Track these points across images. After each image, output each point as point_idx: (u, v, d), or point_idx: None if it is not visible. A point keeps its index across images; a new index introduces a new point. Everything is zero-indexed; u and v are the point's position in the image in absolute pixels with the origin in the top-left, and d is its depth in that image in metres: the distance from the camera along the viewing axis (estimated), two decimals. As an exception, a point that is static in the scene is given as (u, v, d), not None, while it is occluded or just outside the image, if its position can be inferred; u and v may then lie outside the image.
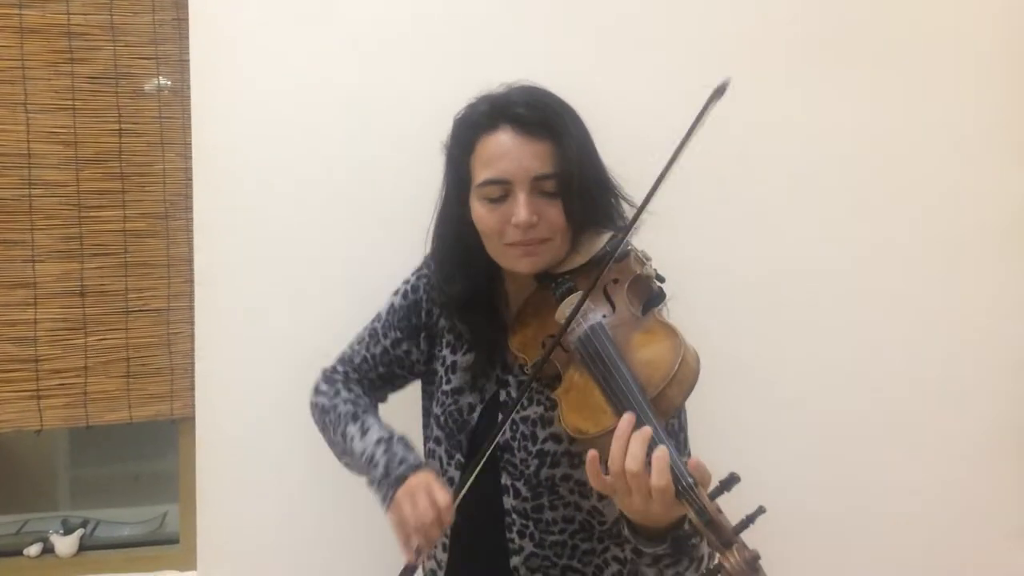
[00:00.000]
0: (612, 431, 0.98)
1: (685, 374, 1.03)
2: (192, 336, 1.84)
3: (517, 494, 1.23)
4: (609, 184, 1.25)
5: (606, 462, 0.97)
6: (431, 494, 1.12)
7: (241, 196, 1.79)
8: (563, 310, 1.16)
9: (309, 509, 1.85)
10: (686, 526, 1.00)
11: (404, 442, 1.26)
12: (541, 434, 1.22)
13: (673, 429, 1.17)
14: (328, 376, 1.43)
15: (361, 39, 1.79)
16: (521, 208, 1.14)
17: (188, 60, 1.78)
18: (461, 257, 1.25)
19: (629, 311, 1.14)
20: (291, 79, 1.78)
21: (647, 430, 0.96)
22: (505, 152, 1.15)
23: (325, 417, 1.37)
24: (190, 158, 1.81)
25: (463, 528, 1.26)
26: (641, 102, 1.81)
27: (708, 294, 1.82)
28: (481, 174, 1.17)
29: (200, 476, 1.83)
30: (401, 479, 1.18)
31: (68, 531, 1.97)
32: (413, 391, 1.43)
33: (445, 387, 1.30)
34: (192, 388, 1.84)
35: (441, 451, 1.30)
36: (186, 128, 1.82)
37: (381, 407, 1.43)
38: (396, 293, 1.40)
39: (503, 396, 1.26)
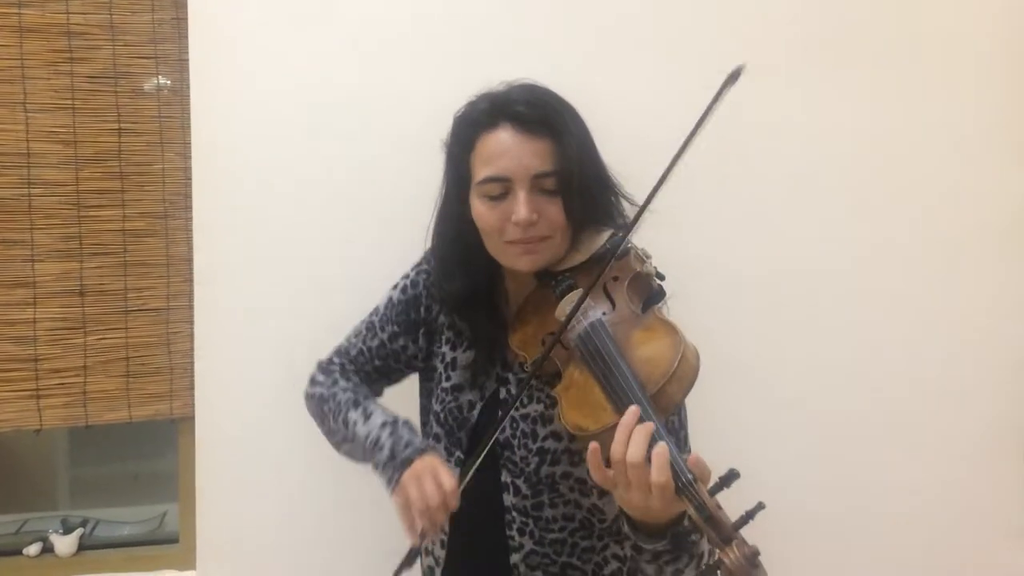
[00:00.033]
0: (612, 428, 0.98)
1: (685, 371, 1.03)
2: (191, 335, 1.84)
3: (517, 491, 1.23)
4: (609, 182, 1.25)
5: (607, 458, 0.97)
6: (437, 477, 1.12)
7: (240, 195, 1.79)
8: (563, 308, 1.16)
9: (308, 508, 1.85)
10: (686, 522, 1.00)
11: (409, 426, 1.26)
12: (541, 432, 1.22)
13: (673, 427, 1.17)
14: (324, 367, 1.43)
15: (361, 39, 1.79)
16: (521, 206, 1.14)
17: (187, 59, 1.78)
18: (461, 255, 1.25)
19: (629, 308, 1.14)
20: (291, 78, 1.79)
21: (649, 425, 0.96)
22: (505, 150, 1.15)
23: (324, 406, 1.36)
24: (189, 157, 1.81)
25: (463, 525, 1.26)
26: (641, 102, 1.81)
27: (708, 294, 1.82)
28: (481, 172, 1.17)
29: (199, 476, 1.83)
30: (407, 462, 1.17)
31: (67, 531, 1.97)
32: (411, 389, 1.42)
33: (445, 384, 1.30)
34: (191, 388, 1.84)
35: (440, 448, 1.30)
36: (185, 127, 1.82)
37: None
38: (395, 287, 1.39)
39: (503, 394, 1.26)
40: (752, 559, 0.88)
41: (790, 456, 1.91)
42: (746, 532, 0.91)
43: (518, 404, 1.23)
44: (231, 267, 1.80)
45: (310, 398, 1.41)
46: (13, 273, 1.82)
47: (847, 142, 1.89)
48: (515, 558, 1.24)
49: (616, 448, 0.96)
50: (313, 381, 1.42)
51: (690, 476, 0.92)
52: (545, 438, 1.22)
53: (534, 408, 1.23)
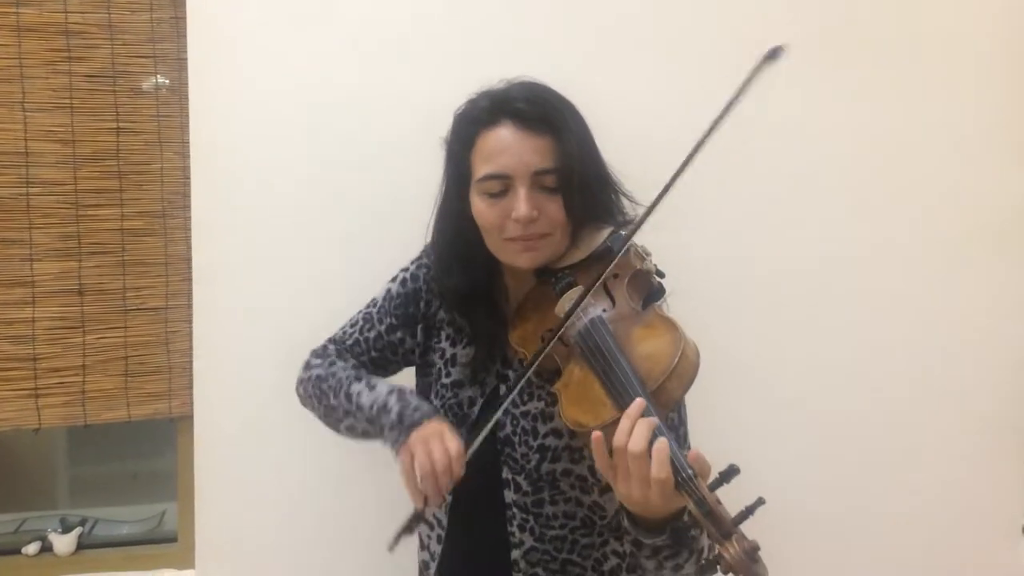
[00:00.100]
0: (611, 424, 0.98)
1: (685, 368, 1.03)
2: (190, 335, 1.84)
3: (518, 488, 1.23)
4: (609, 180, 1.24)
5: (610, 452, 0.98)
6: (444, 441, 1.12)
7: (239, 195, 1.79)
8: (563, 304, 1.16)
9: (307, 507, 1.85)
10: (685, 517, 1.00)
11: (416, 394, 1.26)
12: (542, 429, 1.22)
13: (673, 424, 1.17)
14: (319, 352, 1.41)
15: (361, 39, 1.79)
16: (521, 203, 1.14)
17: (186, 59, 1.78)
18: (461, 252, 1.25)
19: (629, 306, 1.14)
20: (290, 78, 1.79)
21: (653, 419, 0.96)
22: (505, 147, 1.15)
23: (322, 384, 1.33)
24: (188, 156, 1.80)
25: (463, 520, 1.26)
26: (641, 102, 1.81)
27: (708, 293, 1.82)
28: (481, 169, 1.17)
29: (198, 474, 1.83)
30: (415, 425, 1.17)
31: (66, 529, 1.97)
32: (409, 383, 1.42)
33: (444, 380, 1.30)
34: (190, 387, 1.84)
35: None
36: (184, 127, 1.82)
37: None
38: (394, 280, 1.38)
39: (503, 390, 1.25)
40: (752, 554, 0.88)
41: (790, 456, 1.91)
42: (746, 530, 0.91)
43: (518, 402, 1.23)
44: (230, 266, 1.80)
45: (305, 381, 1.38)
46: (12, 272, 1.81)
47: (847, 142, 1.90)
48: (515, 554, 1.24)
49: (619, 437, 0.96)
50: (308, 365, 1.40)
51: (690, 471, 0.93)
52: (546, 435, 1.22)
53: (534, 405, 1.23)
